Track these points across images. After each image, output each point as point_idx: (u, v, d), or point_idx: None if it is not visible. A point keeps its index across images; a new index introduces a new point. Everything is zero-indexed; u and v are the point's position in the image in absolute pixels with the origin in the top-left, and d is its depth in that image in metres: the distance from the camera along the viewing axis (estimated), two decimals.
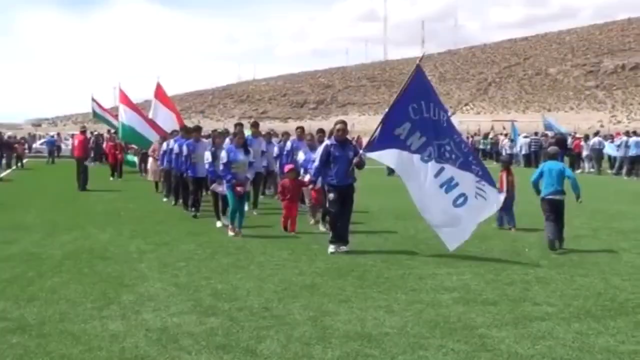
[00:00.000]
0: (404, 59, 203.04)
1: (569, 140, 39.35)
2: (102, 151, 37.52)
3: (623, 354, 6.22)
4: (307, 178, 13.55)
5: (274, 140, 20.57)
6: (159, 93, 28.27)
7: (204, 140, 17.06)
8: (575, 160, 37.09)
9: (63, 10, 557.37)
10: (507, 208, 13.34)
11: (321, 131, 15.85)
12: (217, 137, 14.85)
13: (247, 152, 13.37)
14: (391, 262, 10.34)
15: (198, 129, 17.52)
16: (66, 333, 6.73)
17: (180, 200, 17.83)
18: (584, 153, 36.28)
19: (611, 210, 17.84)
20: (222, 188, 13.66)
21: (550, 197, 11.76)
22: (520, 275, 9.57)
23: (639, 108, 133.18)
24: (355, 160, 11.30)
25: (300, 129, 17.68)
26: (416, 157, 10.89)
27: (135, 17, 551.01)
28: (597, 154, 35.60)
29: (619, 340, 6.62)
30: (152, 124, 26.42)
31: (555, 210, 11.77)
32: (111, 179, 28.20)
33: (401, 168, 11.10)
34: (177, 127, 23.16)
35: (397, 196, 19.54)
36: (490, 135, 52.71)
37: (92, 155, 35.80)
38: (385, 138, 11.02)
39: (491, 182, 11.13)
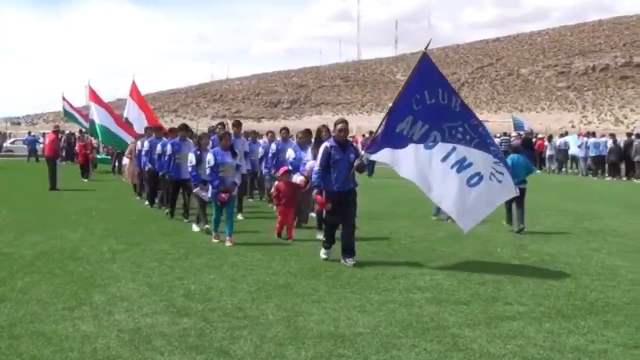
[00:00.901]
0: (377, 59, 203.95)
1: (534, 140, 40.05)
2: (74, 150, 37.19)
3: (593, 353, 6.28)
4: (299, 179, 13.25)
5: (261, 140, 20.45)
6: (134, 92, 27.95)
7: (190, 140, 16.23)
8: (538, 160, 37.79)
9: (35, 8, 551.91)
10: None
11: (308, 132, 15.02)
12: (203, 138, 14.11)
13: (234, 155, 12.60)
14: (364, 262, 10.35)
15: (185, 127, 16.39)
16: (37, 334, 6.66)
17: (158, 201, 17.75)
18: (547, 153, 37.08)
19: (581, 210, 18.03)
20: (205, 193, 13.13)
21: (518, 186, 12.03)
22: (492, 275, 9.62)
23: (609, 109, 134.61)
24: (356, 163, 10.38)
25: (285, 130, 17.18)
26: (420, 146, 10.32)
27: (108, 15, 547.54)
28: (563, 155, 36.28)
29: (589, 340, 6.69)
30: (124, 124, 26.22)
31: (521, 197, 13.51)
32: (81, 179, 27.66)
33: (407, 168, 10.41)
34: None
35: (372, 197, 19.59)
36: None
37: (63, 154, 35.53)
38: (387, 137, 10.41)
39: (508, 167, 10.76)
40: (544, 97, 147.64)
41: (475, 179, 10.27)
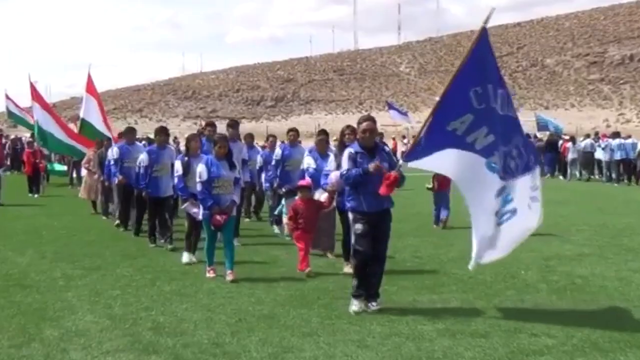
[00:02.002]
0: (377, 48, 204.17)
1: (560, 142, 39.80)
2: (20, 158, 36.89)
3: None
4: (323, 197, 12.12)
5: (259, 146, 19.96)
6: (91, 86, 27.21)
7: (170, 146, 15.44)
8: (561, 165, 37.95)
9: None
10: None
11: (323, 132, 14.40)
12: (192, 141, 13.22)
13: (232, 166, 11.58)
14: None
15: (163, 131, 15.15)
16: None
17: (132, 225, 16.46)
18: (570, 156, 36.98)
19: (618, 224, 18.06)
20: (197, 209, 12.21)
21: None
22: (515, 302, 9.66)
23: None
24: (392, 174, 9.04)
25: (294, 132, 16.16)
26: (482, 160, 9.02)
27: (60, 1, 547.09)
28: (588, 159, 36.35)
29: None
30: (73, 133, 25.87)
31: None
32: (30, 195, 26.70)
33: (459, 173, 9.22)
34: (106, 133, 22.93)
35: None
36: None
37: (8, 162, 35.42)
38: (435, 137, 8.98)
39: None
40: (574, 92, 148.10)
41: (507, 215, 9.35)
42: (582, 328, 8.35)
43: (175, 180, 13.01)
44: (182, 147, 16.88)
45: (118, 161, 16.57)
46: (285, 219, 14.29)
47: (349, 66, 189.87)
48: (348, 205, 9.48)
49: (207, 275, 11.33)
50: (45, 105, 27.11)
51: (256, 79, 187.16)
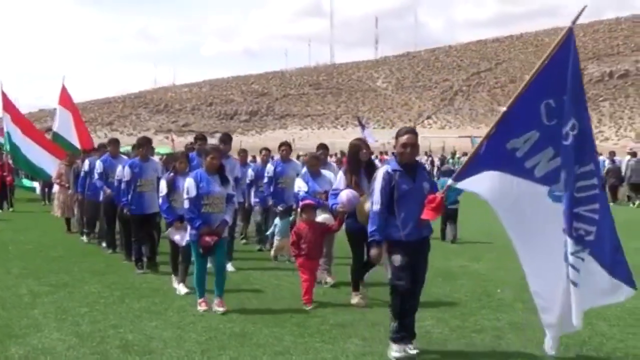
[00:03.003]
0: (354, 63, 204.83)
1: None
2: None
3: None
4: (324, 217, 11.51)
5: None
6: (66, 99, 26.83)
7: (155, 159, 14.61)
8: None
9: None
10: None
11: (323, 147, 13.71)
12: (180, 159, 12.12)
13: (224, 181, 10.58)
14: (338, 305, 10.38)
15: (147, 141, 14.29)
16: None
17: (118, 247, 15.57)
18: None
19: None
20: (179, 236, 11.39)
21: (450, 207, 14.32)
22: (491, 320, 9.70)
23: (630, 123, 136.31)
24: (437, 196, 7.99)
25: (286, 147, 15.64)
26: (541, 189, 7.77)
27: (27, 7, 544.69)
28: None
29: None
30: (48, 143, 25.40)
31: (454, 216, 17.60)
32: None
33: (510, 204, 7.88)
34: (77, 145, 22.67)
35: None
36: (458, 155, 53.68)
37: None
38: (490, 154, 7.84)
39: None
40: None
41: (583, 257, 7.69)
42: (559, 348, 8.41)
43: (160, 200, 11.86)
44: None
45: (102, 175, 15.46)
46: (276, 240, 14.11)
47: (325, 80, 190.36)
48: (385, 232, 8.14)
49: (199, 308, 10.25)
50: (17, 116, 26.20)
51: (230, 93, 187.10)
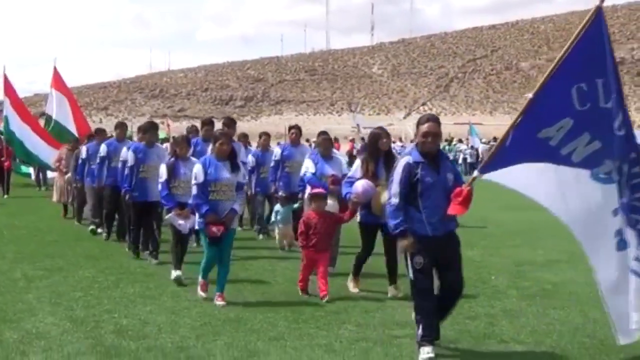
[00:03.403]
0: (349, 49, 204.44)
1: None
2: None
3: None
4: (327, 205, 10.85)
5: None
6: (58, 82, 26.57)
7: (160, 146, 14.17)
8: None
9: None
10: None
11: (325, 134, 13.20)
12: (181, 143, 11.75)
13: (235, 168, 10.04)
14: (332, 291, 10.36)
15: (153, 126, 13.92)
16: None
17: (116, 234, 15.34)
18: None
19: None
20: (182, 221, 11.09)
21: None
22: (485, 307, 9.72)
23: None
24: (465, 189, 7.51)
25: (296, 130, 15.13)
26: (583, 172, 7.45)
27: None
28: None
29: None
30: (43, 132, 25.20)
31: None
32: None
33: (553, 193, 7.70)
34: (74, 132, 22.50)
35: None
36: (454, 142, 53.71)
37: None
38: (520, 145, 7.34)
39: None
40: None
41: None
42: (552, 334, 8.43)
43: (159, 186, 11.42)
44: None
45: (105, 159, 15.08)
46: (276, 230, 14.01)
47: (321, 66, 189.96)
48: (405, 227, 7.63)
49: (199, 292, 10.11)
50: (16, 102, 25.88)
51: (225, 78, 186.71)
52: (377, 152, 10.43)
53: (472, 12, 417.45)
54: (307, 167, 12.15)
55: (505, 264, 12.87)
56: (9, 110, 25.15)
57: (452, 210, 7.52)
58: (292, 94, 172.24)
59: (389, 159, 10.28)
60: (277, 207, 13.91)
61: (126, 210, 14.08)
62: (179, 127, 69.39)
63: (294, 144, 14.96)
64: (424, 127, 7.67)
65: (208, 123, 14.23)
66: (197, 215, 10.12)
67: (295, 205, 13.49)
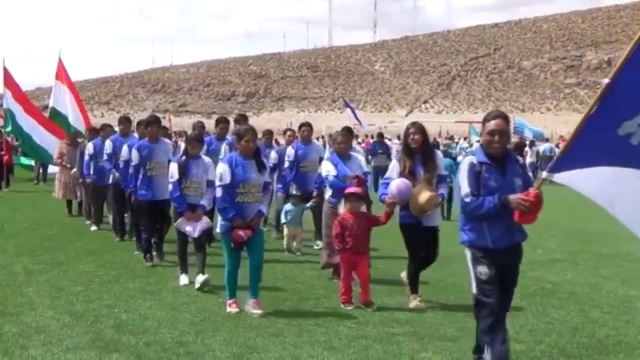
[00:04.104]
0: (352, 46, 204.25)
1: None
2: None
3: None
4: (342, 209, 10.35)
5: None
6: (62, 74, 26.35)
7: (166, 140, 13.44)
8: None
9: None
10: None
11: (347, 130, 12.10)
12: (194, 141, 10.91)
13: (261, 167, 9.37)
14: (332, 288, 10.37)
15: (156, 120, 13.00)
16: None
17: (130, 236, 14.26)
18: (527, 160, 38.01)
19: (591, 230, 18.19)
20: (189, 227, 10.43)
21: None
22: None
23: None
24: (532, 192, 6.45)
25: (307, 127, 14.42)
26: None
27: None
28: (547, 163, 37.30)
29: None
30: (48, 122, 24.93)
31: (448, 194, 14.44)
32: None
33: (624, 204, 6.40)
34: (81, 125, 22.30)
35: None
36: (456, 140, 53.89)
37: None
38: (597, 143, 6.09)
39: None
40: (550, 96, 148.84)
41: None
42: (551, 334, 8.43)
43: (170, 187, 10.64)
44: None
45: (112, 157, 14.25)
46: (286, 229, 13.55)
47: (323, 63, 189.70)
48: (465, 237, 6.93)
49: (229, 310, 9.14)
50: (18, 94, 25.53)
51: (227, 74, 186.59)
52: (410, 149, 9.61)
53: (475, 10, 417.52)
54: (328, 170, 11.01)
55: None
56: (11, 104, 24.84)
57: (517, 217, 6.57)
58: (294, 91, 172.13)
59: (427, 156, 9.65)
60: (288, 206, 13.64)
61: (131, 211, 13.39)
62: (180, 123, 69.42)
63: (306, 142, 14.27)
64: (491, 124, 6.80)
65: (223, 121, 13.77)
66: (219, 218, 9.35)
67: (308, 205, 13.24)
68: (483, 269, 6.71)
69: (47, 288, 10.14)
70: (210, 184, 10.22)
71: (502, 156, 6.81)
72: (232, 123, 15.07)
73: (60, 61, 26.07)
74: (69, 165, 18.33)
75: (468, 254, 6.89)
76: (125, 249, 13.45)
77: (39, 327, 8.17)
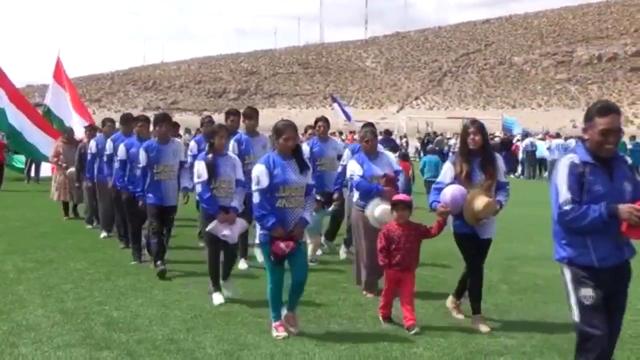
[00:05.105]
0: (343, 42, 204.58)
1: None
2: None
3: None
4: (378, 211, 9.50)
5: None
6: (60, 73, 26.02)
7: (177, 140, 12.67)
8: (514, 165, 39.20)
9: None
10: None
11: (370, 126, 11.14)
12: (219, 133, 9.71)
13: (303, 168, 8.21)
14: (324, 285, 10.39)
15: (166, 118, 11.58)
16: None
17: (135, 243, 12.34)
18: (520, 156, 38.61)
19: None
20: (227, 231, 9.38)
21: (430, 179, 17.86)
22: None
23: (618, 106, 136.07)
24: None
25: (323, 123, 13.13)
26: None
27: None
28: (530, 157, 37.61)
29: None
30: (42, 121, 24.76)
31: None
32: None
33: None
34: (80, 122, 22.13)
35: None
36: (448, 135, 54.04)
37: None
38: None
39: None
40: (541, 91, 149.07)
41: None
42: (542, 329, 8.44)
43: (198, 188, 9.54)
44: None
45: (112, 157, 13.22)
46: (308, 238, 11.56)
47: (314, 60, 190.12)
48: (563, 253, 5.85)
49: (275, 333, 7.96)
50: (12, 93, 25.19)
51: (219, 71, 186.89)
52: (468, 150, 8.48)
53: (466, 6, 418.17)
54: (353, 170, 10.09)
55: (496, 259, 12.82)
56: (5, 102, 24.54)
57: (627, 230, 5.54)
58: (285, 87, 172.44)
59: (488, 160, 8.53)
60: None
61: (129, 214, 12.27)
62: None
63: (323, 139, 13.05)
64: (604, 121, 5.60)
65: (234, 113, 12.35)
66: (257, 227, 8.32)
67: (330, 209, 12.32)
68: (587, 292, 5.65)
69: (37, 286, 10.11)
70: (239, 183, 9.63)
71: (609, 157, 5.72)
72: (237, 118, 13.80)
73: (58, 61, 25.88)
74: (64, 165, 17.66)
75: (567, 274, 5.84)
76: (116, 246, 13.41)
77: (30, 325, 8.15)
